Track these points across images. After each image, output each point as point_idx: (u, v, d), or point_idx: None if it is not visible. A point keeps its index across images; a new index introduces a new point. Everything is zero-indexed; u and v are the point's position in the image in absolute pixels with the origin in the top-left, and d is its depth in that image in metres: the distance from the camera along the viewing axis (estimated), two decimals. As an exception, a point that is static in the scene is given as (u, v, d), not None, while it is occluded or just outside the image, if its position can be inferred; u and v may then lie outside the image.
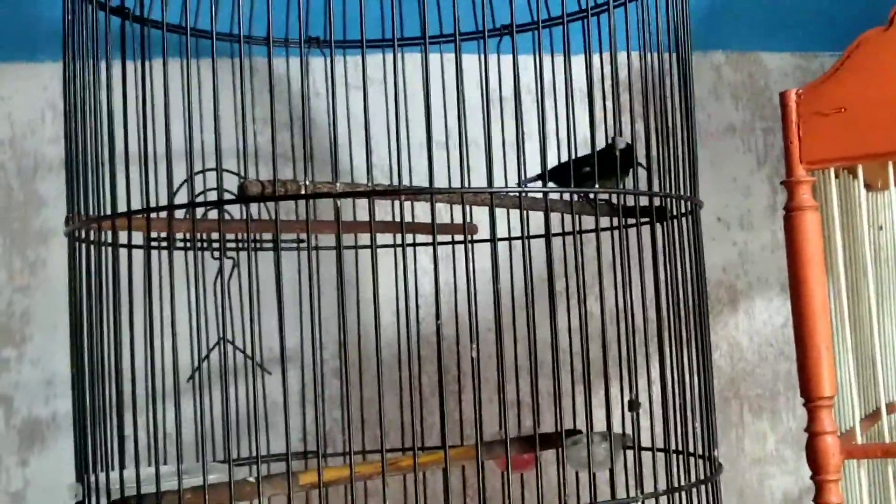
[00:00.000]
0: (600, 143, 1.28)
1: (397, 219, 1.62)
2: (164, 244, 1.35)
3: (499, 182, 1.44)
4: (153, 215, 1.16)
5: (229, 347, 1.39)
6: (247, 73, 1.55)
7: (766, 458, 2.07)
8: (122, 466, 1.15)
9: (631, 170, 1.25)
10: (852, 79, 1.26)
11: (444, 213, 1.76)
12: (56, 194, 1.89)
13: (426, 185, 1.11)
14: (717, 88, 2.12)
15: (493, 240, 1.14)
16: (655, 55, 1.30)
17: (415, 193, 1.13)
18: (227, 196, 1.24)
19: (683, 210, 1.36)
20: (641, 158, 1.29)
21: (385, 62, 1.65)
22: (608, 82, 1.28)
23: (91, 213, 1.22)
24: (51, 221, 1.89)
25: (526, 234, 1.17)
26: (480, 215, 1.49)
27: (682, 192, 1.33)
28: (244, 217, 1.40)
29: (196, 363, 1.41)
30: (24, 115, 1.91)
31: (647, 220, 1.35)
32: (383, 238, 1.60)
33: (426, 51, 1.10)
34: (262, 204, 1.51)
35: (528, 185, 1.40)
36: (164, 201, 1.16)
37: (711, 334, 2.01)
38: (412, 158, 1.54)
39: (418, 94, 1.34)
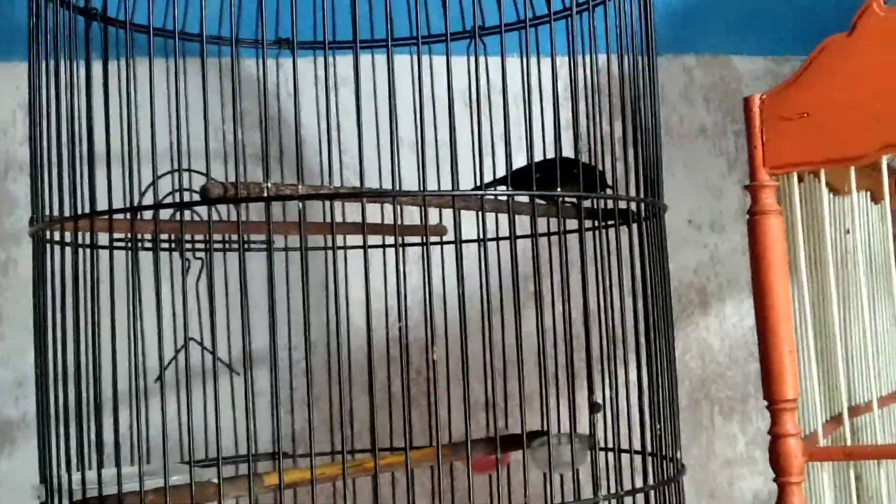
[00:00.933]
0: (565, 147, 1.29)
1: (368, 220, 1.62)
2: (130, 245, 1.35)
3: (469, 185, 1.45)
4: (120, 216, 1.16)
5: (196, 349, 1.39)
6: (215, 73, 1.54)
7: (737, 460, 2.08)
8: (83, 468, 1.15)
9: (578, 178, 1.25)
10: (816, 84, 1.27)
11: (415, 213, 1.76)
12: (27, 195, 1.88)
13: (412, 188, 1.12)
14: (689, 91, 2.13)
15: (458, 242, 1.14)
16: (626, 58, 1.31)
17: (378, 196, 1.14)
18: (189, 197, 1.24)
19: (647, 214, 1.36)
20: (605, 163, 1.30)
21: (357, 63, 1.65)
22: (579, 85, 1.29)
23: (56, 213, 1.22)
24: (22, 222, 1.89)
25: (485, 236, 1.18)
26: (450, 217, 1.49)
27: (645, 196, 1.33)
28: (212, 218, 1.40)
29: (163, 364, 1.41)
30: (-5, 114, 1.91)
31: (611, 223, 1.35)
32: (354, 240, 1.60)
33: (389, 52, 1.10)
34: (228, 205, 1.51)
35: (490, 188, 1.40)
36: (128, 202, 1.16)
37: (682, 336, 2.03)
38: (380, 160, 1.54)
39: (401, 96, 1.34)
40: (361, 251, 1.58)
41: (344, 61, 1.51)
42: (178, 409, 1.17)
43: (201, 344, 1.49)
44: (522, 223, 1.39)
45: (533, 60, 1.37)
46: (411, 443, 1.13)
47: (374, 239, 1.65)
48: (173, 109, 1.13)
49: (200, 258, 1.51)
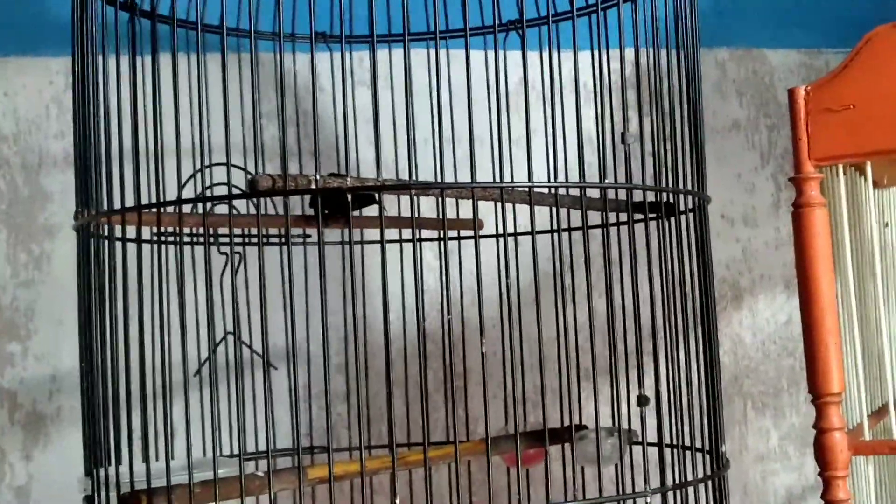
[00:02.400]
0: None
1: (403, 214, 1.62)
2: (170, 239, 1.36)
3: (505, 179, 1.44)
4: (162, 210, 1.16)
5: (240, 343, 1.39)
6: (253, 68, 1.54)
7: (770, 455, 2.08)
8: (131, 461, 1.15)
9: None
10: (861, 76, 1.26)
11: (448, 209, 1.76)
12: (61, 189, 1.89)
13: (433, 180, 1.11)
14: (722, 85, 2.12)
15: (505, 235, 1.14)
16: (659, 50, 1.30)
17: (425, 188, 1.13)
18: (236, 191, 1.25)
19: (690, 206, 1.36)
20: (647, 155, 1.29)
21: (391, 58, 1.66)
22: (615, 77, 1.29)
23: (100, 207, 1.22)
24: (55, 217, 1.89)
25: (533, 229, 1.17)
26: (485, 211, 1.49)
27: (687, 188, 1.33)
28: (250, 212, 1.40)
29: (202, 358, 1.42)
30: (30, 110, 1.91)
31: (653, 216, 1.35)
32: (388, 234, 1.60)
33: (437, 46, 1.09)
34: (268, 199, 1.51)
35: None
36: (172, 196, 1.16)
37: (716, 331, 2.02)
38: (418, 155, 1.55)
39: (423, 91, 1.34)
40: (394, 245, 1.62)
41: (379, 57, 1.52)
42: (211, 403, 1.17)
43: (239, 338, 1.49)
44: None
45: (582, 54, 1.36)
46: (457, 437, 1.12)
47: (397, 233, 1.66)
48: (214, 104, 1.13)
49: (238, 252, 1.51)
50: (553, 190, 1.19)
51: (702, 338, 1.34)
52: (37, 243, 1.89)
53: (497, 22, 1.54)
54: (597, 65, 1.32)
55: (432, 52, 1.64)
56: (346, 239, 1.57)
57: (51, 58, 1.91)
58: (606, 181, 1.19)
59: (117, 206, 1.19)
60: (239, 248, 1.52)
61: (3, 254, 1.88)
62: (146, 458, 1.14)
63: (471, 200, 1.15)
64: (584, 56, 1.30)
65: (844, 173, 1.34)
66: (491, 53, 1.61)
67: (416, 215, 1.34)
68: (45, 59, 1.91)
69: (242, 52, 1.61)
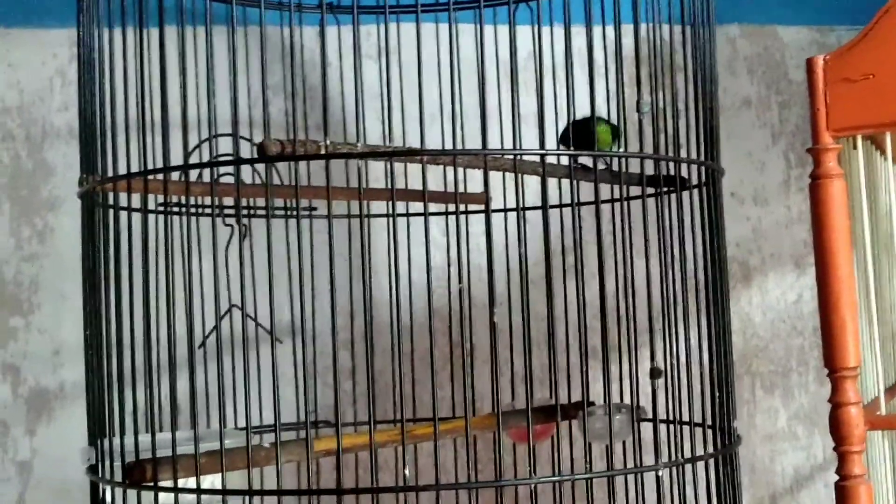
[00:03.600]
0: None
1: (410, 187, 1.60)
2: (174, 209, 1.34)
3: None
4: (169, 178, 1.14)
5: (240, 315, 1.37)
6: (257, 40, 1.52)
7: (778, 435, 2.06)
8: (136, 431, 1.13)
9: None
10: (881, 45, 1.24)
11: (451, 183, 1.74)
12: (64, 162, 1.87)
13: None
14: (733, 62, 2.10)
15: (518, 209, 1.11)
16: (672, 22, 1.28)
17: (437, 155, 1.11)
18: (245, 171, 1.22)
19: (703, 179, 1.34)
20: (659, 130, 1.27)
21: (400, 31, 1.63)
22: (627, 52, 1.26)
23: (105, 174, 1.20)
24: (59, 189, 1.87)
25: (546, 203, 1.15)
26: (492, 183, 1.47)
27: (698, 158, 1.30)
28: (256, 182, 1.38)
29: (206, 330, 1.40)
30: (33, 82, 1.89)
31: (669, 188, 1.33)
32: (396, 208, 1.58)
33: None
34: (274, 169, 1.49)
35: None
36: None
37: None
38: (426, 129, 1.53)
39: (431, 64, 1.32)
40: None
41: (393, 27, 1.50)
42: (219, 375, 1.16)
43: (244, 311, 1.48)
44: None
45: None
46: (473, 411, 1.11)
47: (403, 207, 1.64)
48: (220, 76, 1.11)
49: (245, 224, 1.49)
50: (566, 160, 1.17)
51: (713, 313, 1.32)
52: (40, 217, 1.87)
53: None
54: (609, 36, 1.30)
55: (441, 25, 1.62)
56: (354, 212, 1.56)
57: (55, 29, 1.89)
58: (619, 151, 1.17)
59: (123, 172, 1.17)
60: (244, 221, 1.50)
61: (7, 227, 1.86)
62: (151, 430, 1.12)
63: (481, 171, 1.14)
64: (596, 30, 1.27)
65: (855, 147, 1.32)
66: (502, 28, 1.59)
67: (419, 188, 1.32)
68: (48, 31, 1.89)
69: (248, 24, 1.59)
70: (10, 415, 1.84)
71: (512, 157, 1.14)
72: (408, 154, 1.08)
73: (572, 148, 1.29)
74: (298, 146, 1.02)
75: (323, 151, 1.03)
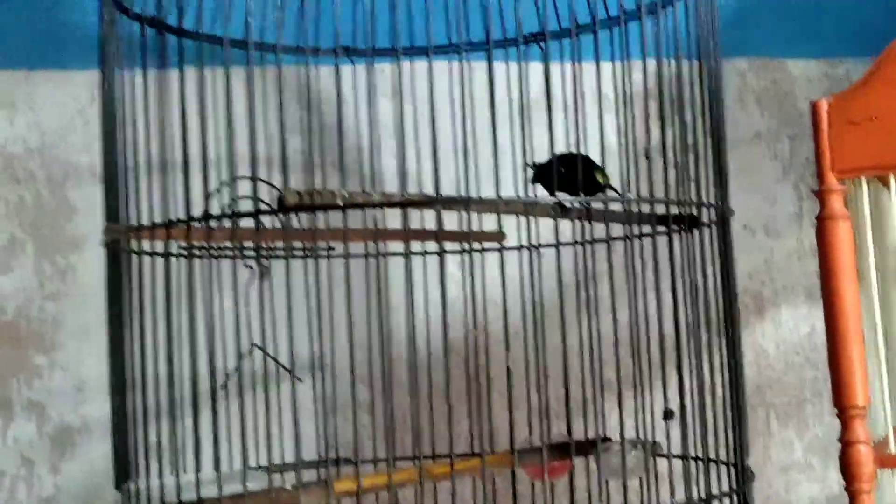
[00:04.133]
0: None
1: (426, 227, 1.63)
2: (196, 252, 1.37)
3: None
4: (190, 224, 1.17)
5: (265, 355, 1.40)
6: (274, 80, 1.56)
7: (793, 466, 2.08)
8: (160, 472, 1.16)
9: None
10: (883, 87, 1.26)
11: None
12: (86, 202, 1.91)
13: (454, 194, 1.12)
14: (742, 95, 2.12)
15: (531, 247, 1.14)
16: (675, 62, 1.31)
17: (450, 203, 1.14)
18: (263, 206, 1.25)
19: (713, 218, 1.36)
20: (669, 166, 1.30)
21: (414, 69, 1.66)
22: (637, 89, 1.29)
23: (128, 223, 1.23)
24: (81, 229, 1.91)
25: (558, 241, 1.18)
26: (507, 221, 1.50)
27: (710, 201, 1.33)
28: (275, 226, 1.41)
29: (227, 368, 1.43)
30: (55, 123, 1.93)
31: (677, 228, 1.35)
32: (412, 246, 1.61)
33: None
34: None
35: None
36: (198, 208, 1.18)
37: (738, 342, 2.02)
38: (440, 165, 1.55)
39: (445, 101, 1.35)
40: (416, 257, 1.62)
41: (393, 70, 1.53)
42: (242, 415, 1.18)
43: (264, 350, 1.51)
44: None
45: (591, 66, 1.37)
46: (490, 449, 1.13)
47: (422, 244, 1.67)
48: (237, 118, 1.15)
49: (265, 265, 1.52)
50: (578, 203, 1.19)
51: (726, 349, 1.34)
52: (62, 255, 1.91)
53: (520, 34, 1.56)
54: (619, 76, 1.33)
55: (454, 63, 1.65)
56: (372, 252, 1.59)
57: (75, 71, 1.93)
58: (629, 195, 1.20)
59: (145, 220, 1.20)
60: (264, 262, 1.54)
61: (30, 266, 1.89)
62: (175, 471, 1.15)
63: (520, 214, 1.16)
64: (606, 67, 1.30)
65: (867, 186, 1.34)
66: (513, 65, 1.62)
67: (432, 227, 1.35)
68: (69, 73, 1.93)
69: (264, 65, 1.63)
70: (35, 452, 1.87)
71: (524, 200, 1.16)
72: (422, 205, 1.11)
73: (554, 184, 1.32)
74: (316, 196, 1.05)
75: (340, 202, 1.06)
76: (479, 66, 1.56)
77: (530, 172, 1.43)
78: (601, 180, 1.32)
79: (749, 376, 2.06)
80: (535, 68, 1.43)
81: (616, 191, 1.34)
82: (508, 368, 1.12)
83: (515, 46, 1.59)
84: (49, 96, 1.93)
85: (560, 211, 1.21)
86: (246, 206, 1.37)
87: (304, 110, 1.71)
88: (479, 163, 1.47)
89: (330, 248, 1.66)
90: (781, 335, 2.09)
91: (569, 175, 1.28)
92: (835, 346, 1.27)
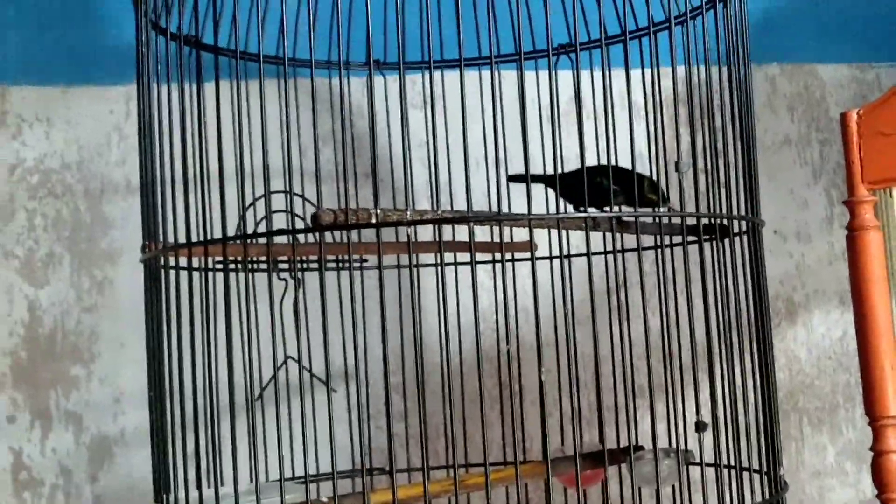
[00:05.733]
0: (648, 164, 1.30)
1: (457, 237, 1.65)
2: (230, 267, 1.39)
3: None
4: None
5: (298, 366, 1.42)
6: (306, 94, 1.57)
7: (826, 471, 2.08)
8: (200, 487, 1.18)
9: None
10: (914, 99, 1.27)
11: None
12: (122, 216, 1.94)
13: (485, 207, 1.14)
14: (773, 101, 2.13)
15: (560, 256, 1.16)
16: (705, 70, 1.32)
17: (483, 220, 1.16)
18: (297, 217, 1.27)
19: (744, 228, 1.37)
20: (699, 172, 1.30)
21: (444, 81, 1.68)
22: (666, 95, 1.30)
23: (166, 240, 1.25)
24: (117, 242, 1.93)
25: (589, 250, 1.20)
26: (539, 230, 1.51)
27: (740, 212, 1.34)
28: (309, 240, 1.43)
29: (263, 382, 1.45)
30: (91, 138, 1.96)
31: (707, 237, 1.36)
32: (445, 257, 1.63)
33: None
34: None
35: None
36: (234, 222, 1.20)
37: (769, 347, 2.02)
38: (471, 176, 1.57)
39: (476, 111, 1.36)
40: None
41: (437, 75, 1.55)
42: (278, 428, 1.20)
43: (299, 362, 1.52)
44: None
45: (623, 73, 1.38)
46: (523, 457, 1.14)
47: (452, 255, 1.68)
48: (275, 132, 1.17)
49: (298, 278, 1.54)
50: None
51: (758, 359, 1.35)
52: (99, 269, 1.93)
53: (549, 46, 1.57)
54: (648, 85, 1.34)
55: (484, 73, 1.67)
56: (404, 263, 1.61)
57: (111, 86, 1.96)
58: (661, 209, 1.21)
59: (182, 237, 1.22)
60: (299, 274, 1.56)
61: (67, 279, 1.92)
62: (215, 485, 1.17)
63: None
64: (636, 74, 1.31)
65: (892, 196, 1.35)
66: (543, 74, 1.64)
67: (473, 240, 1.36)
68: (105, 88, 1.96)
69: (298, 77, 1.64)
70: (74, 462, 1.90)
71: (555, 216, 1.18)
72: (454, 221, 1.12)
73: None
74: (350, 215, 1.07)
75: (374, 220, 1.07)
76: (508, 75, 1.58)
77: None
78: (651, 196, 1.33)
79: (781, 381, 2.06)
80: (566, 76, 1.44)
81: (669, 205, 1.35)
82: (541, 382, 1.13)
83: (546, 58, 1.61)
84: (85, 112, 1.95)
85: (616, 225, 1.22)
86: (280, 218, 1.39)
87: (338, 122, 1.73)
88: (511, 168, 1.48)
89: (364, 260, 1.68)
90: (813, 340, 2.10)
91: (608, 189, 1.29)
92: (866, 356, 1.28)
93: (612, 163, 1.40)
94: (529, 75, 1.63)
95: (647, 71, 1.40)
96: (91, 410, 1.91)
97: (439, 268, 1.14)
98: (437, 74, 1.74)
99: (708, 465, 1.30)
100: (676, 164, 1.21)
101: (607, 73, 1.29)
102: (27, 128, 1.94)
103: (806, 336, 2.09)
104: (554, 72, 1.60)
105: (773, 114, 2.12)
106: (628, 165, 1.29)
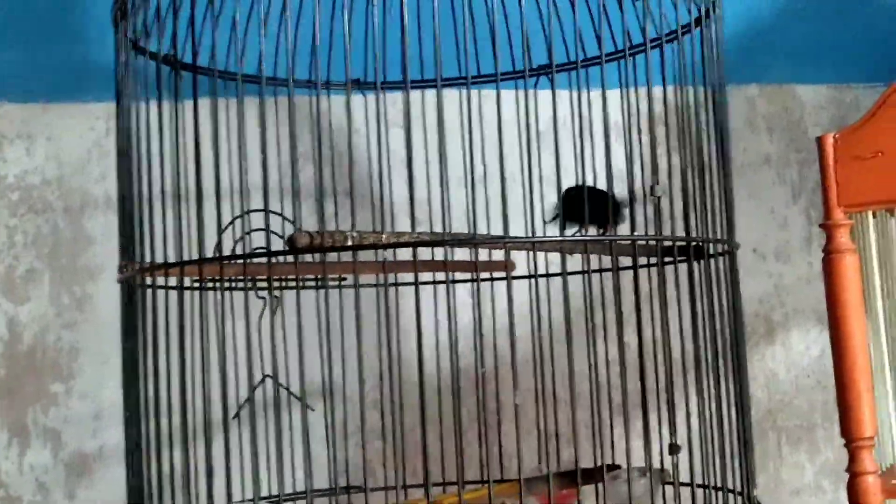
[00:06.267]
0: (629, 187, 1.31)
1: (436, 257, 1.65)
2: (207, 286, 1.39)
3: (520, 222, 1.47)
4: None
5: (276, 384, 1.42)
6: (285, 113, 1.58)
7: (805, 489, 2.08)
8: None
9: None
10: (888, 123, 1.28)
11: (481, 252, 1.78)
12: (102, 232, 1.93)
13: (465, 229, 1.14)
14: (752, 121, 2.14)
15: (535, 276, 1.16)
16: (686, 98, 1.32)
17: (459, 243, 1.16)
18: (275, 237, 1.28)
19: (719, 250, 1.37)
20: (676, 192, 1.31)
21: (424, 98, 1.68)
22: (642, 118, 1.31)
23: (143, 260, 1.25)
24: (97, 258, 1.93)
25: (564, 270, 1.20)
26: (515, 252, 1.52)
27: (716, 235, 1.34)
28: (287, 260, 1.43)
29: (239, 400, 1.45)
30: (72, 154, 1.96)
31: (683, 258, 1.37)
32: (422, 276, 1.63)
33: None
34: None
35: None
36: (212, 240, 1.20)
37: (748, 366, 2.03)
38: (450, 195, 1.57)
39: (455, 129, 1.36)
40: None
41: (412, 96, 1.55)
42: (254, 443, 1.20)
43: (276, 380, 1.52)
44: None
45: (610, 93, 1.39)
46: (501, 472, 1.15)
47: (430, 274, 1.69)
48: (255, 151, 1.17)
49: (276, 297, 1.54)
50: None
51: (732, 380, 1.35)
52: (79, 285, 1.93)
53: (527, 67, 1.58)
54: (626, 105, 1.35)
55: (464, 92, 1.67)
56: (381, 282, 1.61)
57: (91, 103, 1.96)
58: (636, 233, 1.21)
59: (159, 253, 1.22)
60: (276, 293, 1.56)
61: (47, 295, 1.92)
62: (188, 501, 1.17)
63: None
64: (613, 94, 1.31)
65: (874, 216, 1.35)
66: (521, 93, 1.64)
67: (449, 259, 1.37)
68: (85, 105, 1.96)
69: (277, 95, 1.65)
70: (52, 478, 1.89)
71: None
72: (431, 244, 1.13)
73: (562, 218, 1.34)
74: (326, 238, 1.07)
75: (350, 243, 1.08)
76: (488, 95, 1.58)
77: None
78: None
79: (760, 400, 2.07)
80: (544, 96, 1.45)
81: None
82: (516, 406, 1.14)
83: (523, 78, 1.62)
84: (66, 128, 1.96)
85: (593, 246, 1.23)
86: (258, 237, 1.39)
87: (316, 140, 1.73)
88: (490, 189, 1.48)
89: (343, 279, 1.68)
90: (792, 359, 2.10)
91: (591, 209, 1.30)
92: (842, 379, 1.28)
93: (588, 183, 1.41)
94: (509, 94, 1.64)
95: (626, 92, 1.40)
96: (70, 427, 1.91)
97: (415, 287, 1.14)
98: (417, 93, 1.74)
99: (682, 484, 1.30)
100: (652, 187, 1.22)
101: (584, 94, 1.30)
102: (7, 144, 1.94)
103: (784, 355, 2.10)
104: (533, 90, 1.61)
105: (753, 133, 2.13)
106: (604, 186, 1.30)
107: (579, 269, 1.50)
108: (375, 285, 1.65)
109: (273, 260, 1.31)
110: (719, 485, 1.31)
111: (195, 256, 1.18)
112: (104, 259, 1.93)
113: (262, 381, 1.49)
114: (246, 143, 1.21)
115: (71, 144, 1.96)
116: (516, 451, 1.21)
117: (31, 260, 1.92)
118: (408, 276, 1.63)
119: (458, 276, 1.69)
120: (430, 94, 1.73)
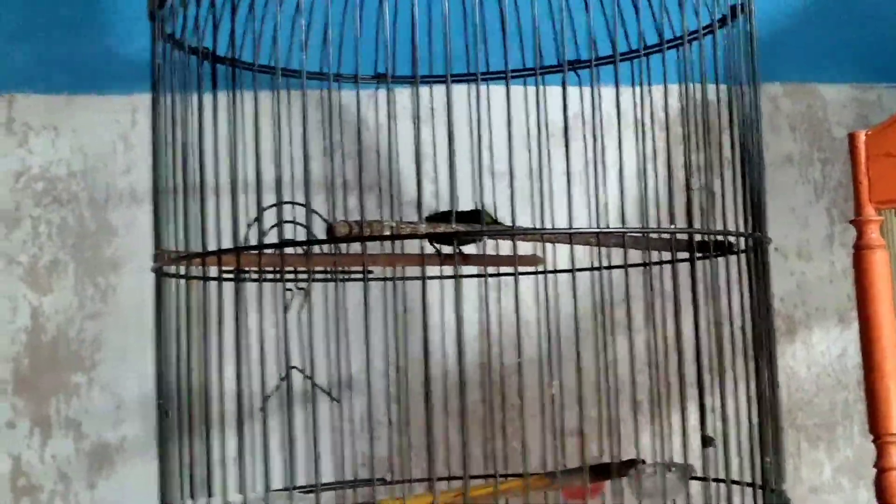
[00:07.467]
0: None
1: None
2: (241, 276, 1.39)
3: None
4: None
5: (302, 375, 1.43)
6: (317, 108, 1.58)
7: (823, 487, 2.09)
8: (209, 494, 1.18)
9: None
10: (920, 120, 1.28)
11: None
12: (126, 224, 1.94)
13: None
14: (775, 119, 2.14)
15: (573, 270, 1.17)
16: (707, 92, 1.32)
17: (497, 234, 1.17)
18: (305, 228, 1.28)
19: (742, 246, 1.37)
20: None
21: (434, 95, 1.69)
22: (661, 115, 1.31)
23: (178, 247, 1.26)
24: (121, 250, 1.94)
25: (601, 264, 1.21)
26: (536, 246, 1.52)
27: (740, 229, 1.34)
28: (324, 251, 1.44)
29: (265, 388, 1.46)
30: (96, 147, 1.96)
31: (701, 255, 1.36)
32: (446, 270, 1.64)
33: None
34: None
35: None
36: (243, 231, 1.21)
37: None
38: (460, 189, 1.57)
39: (465, 123, 1.35)
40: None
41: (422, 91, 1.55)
42: (290, 434, 1.21)
43: (303, 372, 1.53)
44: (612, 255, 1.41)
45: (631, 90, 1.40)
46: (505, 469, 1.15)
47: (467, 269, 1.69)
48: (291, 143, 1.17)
49: (303, 288, 1.55)
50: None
51: (761, 374, 1.35)
52: (103, 277, 1.94)
53: (539, 65, 1.58)
54: (646, 105, 1.35)
55: (473, 87, 1.68)
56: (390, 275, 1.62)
57: (117, 96, 1.96)
58: (652, 225, 1.22)
59: (195, 247, 1.23)
60: (303, 285, 1.56)
61: (71, 287, 1.92)
62: (224, 493, 1.17)
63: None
64: (626, 90, 1.31)
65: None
66: (531, 89, 1.64)
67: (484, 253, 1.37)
68: (111, 97, 1.96)
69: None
70: (73, 469, 1.90)
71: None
72: (469, 234, 1.13)
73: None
74: (365, 227, 1.08)
75: (387, 232, 1.08)
76: (498, 90, 1.58)
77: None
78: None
79: (780, 398, 2.07)
80: (554, 91, 1.44)
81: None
82: (552, 397, 1.14)
83: (534, 76, 1.62)
84: (90, 120, 1.96)
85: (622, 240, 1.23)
86: (287, 229, 1.40)
87: (346, 135, 1.74)
88: (524, 185, 1.48)
89: (368, 272, 1.68)
90: (813, 357, 2.11)
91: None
92: (871, 374, 1.29)
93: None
94: (518, 90, 1.64)
95: (646, 88, 1.41)
96: (91, 418, 1.91)
97: (455, 280, 1.14)
98: (426, 88, 1.74)
99: (711, 479, 1.30)
100: (688, 181, 1.22)
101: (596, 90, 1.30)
102: (33, 135, 1.94)
103: (805, 354, 2.11)
104: (544, 86, 1.61)
105: (775, 132, 2.14)
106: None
107: (588, 265, 1.51)
108: (384, 279, 1.66)
109: (310, 251, 1.31)
110: (749, 480, 1.31)
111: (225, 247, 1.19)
112: (128, 251, 1.93)
113: (288, 372, 1.49)
114: (280, 135, 1.22)
115: (96, 136, 1.96)
116: (553, 445, 1.21)
117: (56, 251, 1.93)
118: (417, 271, 1.64)
119: (471, 270, 1.69)
120: (438, 88, 1.74)
